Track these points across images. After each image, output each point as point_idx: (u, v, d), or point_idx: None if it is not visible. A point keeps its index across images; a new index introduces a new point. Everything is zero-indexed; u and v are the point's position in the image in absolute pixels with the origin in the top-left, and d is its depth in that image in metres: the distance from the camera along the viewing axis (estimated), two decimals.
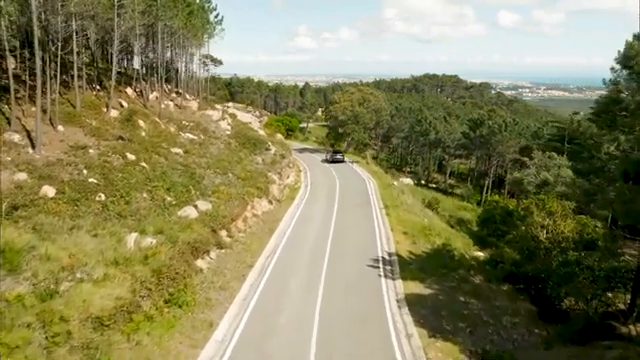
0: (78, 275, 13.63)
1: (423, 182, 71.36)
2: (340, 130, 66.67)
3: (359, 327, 14.81)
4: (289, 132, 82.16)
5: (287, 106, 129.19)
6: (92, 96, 31.30)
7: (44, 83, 24.83)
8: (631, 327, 14.04)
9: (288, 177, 38.87)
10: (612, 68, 20.62)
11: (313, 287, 17.69)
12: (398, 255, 22.25)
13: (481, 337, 14.95)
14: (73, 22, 26.21)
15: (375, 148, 77.64)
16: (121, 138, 26.89)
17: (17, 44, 27.64)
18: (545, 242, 18.17)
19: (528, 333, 15.62)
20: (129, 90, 35.97)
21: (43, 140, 22.83)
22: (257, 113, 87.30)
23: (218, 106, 49.30)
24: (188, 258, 17.81)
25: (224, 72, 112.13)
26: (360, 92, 69.48)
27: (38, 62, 22.05)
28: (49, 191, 18.70)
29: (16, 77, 26.50)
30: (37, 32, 21.98)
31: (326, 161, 56.17)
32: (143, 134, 29.44)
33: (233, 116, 46.10)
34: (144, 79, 38.08)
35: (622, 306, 15.27)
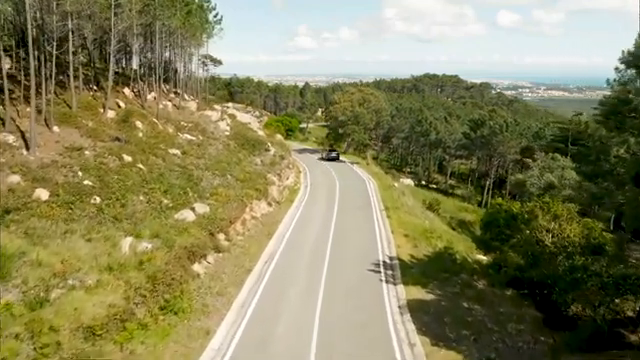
0: (70, 282, 13.21)
1: (423, 183, 70.95)
2: (340, 131, 66.24)
3: (360, 335, 14.38)
4: (289, 132, 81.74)
5: (287, 106, 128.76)
6: (89, 96, 30.85)
7: (39, 83, 24.39)
8: None
9: (288, 178, 38.43)
10: (616, 68, 20.20)
11: (313, 293, 17.25)
12: (399, 259, 21.83)
13: (485, 345, 14.52)
14: (69, 21, 25.79)
15: (375, 148, 77.22)
16: (118, 139, 26.45)
17: (12, 44, 27.25)
18: (550, 246, 17.74)
19: (534, 341, 15.17)
20: (127, 90, 35.53)
21: (38, 141, 22.40)
22: (257, 113, 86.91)
23: (217, 106, 48.86)
24: (185, 263, 17.39)
25: (224, 72, 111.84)
26: (360, 92, 69.05)
27: (32, 62, 21.65)
28: (43, 194, 18.27)
29: (11, 77, 26.11)
30: (31, 31, 21.52)
31: (322, 158, 58.82)
32: (140, 135, 29.00)
33: (232, 116, 45.67)
34: (142, 79, 37.64)
35: (631, 313, 14.86)
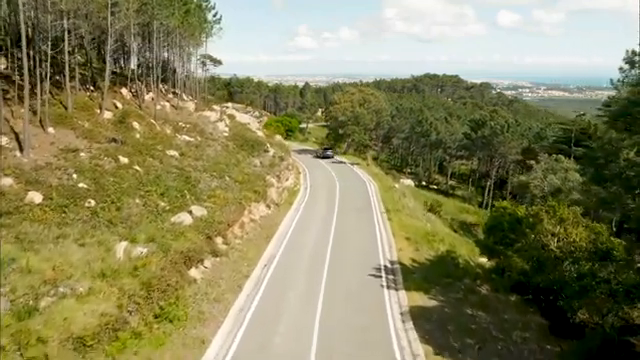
0: (61, 289, 12.74)
1: (424, 183, 70.54)
2: (340, 131, 65.79)
3: (361, 344, 13.92)
4: (288, 133, 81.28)
5: (287, 106, 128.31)
6: (85, 97, 30.41)
7: (35, 84, 24.00)
8: None
9: (287, 180, 37.97)
10: (620, 68, 19.74)
11: (312, 300, 16.79)
12: (400, 263, 21.37)
13: (490, 354, 14.08)
14: (65, 21, 25.34)
15: (375, 149, 76.78)
16: (114, 140, 26.01)
17: (8, 43, 26.81)
18: (556, 251, 17.28)
19: (540, 349, 14.74)
20: (124, 91, 35.07)
21: (32, 143, 21.94)
22: (256, 113, 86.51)
23: (216, 107, 48.41)
24: (181, 268, 16.93)
25: (224, 72, 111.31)
26: (360, 92, 68.61)
27: (25, 61, 21.21)
28: (35, 197, 17.83)
29: (6, 77, 25.71)
30: (25, 30, 21.09)
31: (317, 156, 61.01)
32: (137, 136, 28.55)
33: (231, 117, 45.20)
34: (139, 79, 37.18)
35: None
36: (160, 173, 24.97)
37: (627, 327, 14.37)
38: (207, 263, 18.94)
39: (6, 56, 27.14)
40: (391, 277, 19.52)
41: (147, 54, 40.23)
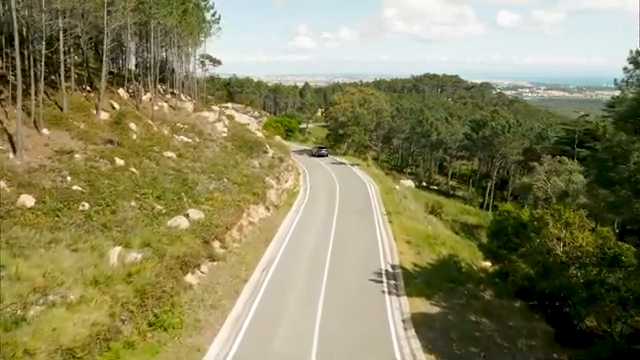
0: (51, 298, 12.29)
1: (424, 184, 70.04)
2: (340, 131, 65.34)
3: (362, 355, 13.46)
4: (288, 133, 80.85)
5: (287, 106, 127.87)
6: (82, 97, 29.95)
7: (29, 84, 23.55)
8: None
9: (286, 181, 37.52)
10: (625, 68, 19.31)
11: (311, 307, 16.31)
12: (402, 267, 20.91)
13: None
14: (59, 20, 24.90)
15: (375, 149, 76.33)
16: (110, 142, 25.56)
17: (2, 42, 26.34)
18: (562, 256, 16.83)
19: (546, 358, 14.30)
20: (121, 91, 34.61)
21: (26, 144, 21.53)
22: (256, 114, 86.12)
23: (215, 107, 48.01)
24: (177, 274, 16.48)
25: (224, 72, 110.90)
26: (361, 93, 68.15)
27: (18, 61, 20.82)
28: (28, 200, 17.39)
29: (0, 77, 25.27)
30: (17, 29, 20.68)
31: (312, 155, 61.96)
32: (134, 137, 28.11)
33: (230, 117, 44.74)
34: (137, 79, 36.71)
35: None
36: (157, 175, 24.53)
37: (637, 335, 13.93)
38: (204, 268, 18.49)
39: (0, 55, 26.67)
40: (392, 282, 19.06)
41: (145, 54, 39.76)
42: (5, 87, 24.05)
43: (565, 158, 34.48)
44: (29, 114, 23.71)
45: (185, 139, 32.24)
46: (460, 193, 67.61)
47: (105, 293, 13.49)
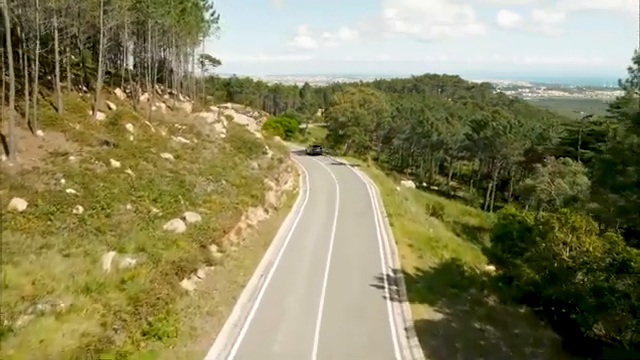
0: (39, 307, 11.82)
1: (425, 184, 69.60)
2: (340, 132, 64.85)
3: None
4: (288, 133, 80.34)
5: (287, 106, 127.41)
6: (78, 98, 29.51)
7: (23, 84, 23.10)
8: None
9: (286, 182, 37.03)
10: (629, 68, 18.87)
11: (311, 313, 15.84)
12: (404, 272, 20.42)
13: None
14: (54, 19, 24.43)
15: (375, 149, 75.85)
16: (106, 143, 25.12)
17: None
18: (568, 261, 16.35)
19: None
20: (118, 91, 34.16)
21: (19, 146, 21.08)
22: (256, 114, 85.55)
23: (214, 107, 47.54)
24: (172, 279, 16.00)
25: (223, 72, 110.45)
26: (361, 93, 67.65)
27: (11, 60, 20.40)
28: (19, 204, 16.93)
29: None
30: (9, 28, 20.20)
31: (307, 153, 62.64)
32: (131, 138, 27.66)
33: (229, 118, 44.27)
34: (134, 80, 36.23)
35: None
36: (153, 177, 24.07)
37: None
38: (201, 273, 18.01)
39: None
40: (394, 288, 18.58)
41: (143, 54, 39.29)
42: None
43: (569, 159, 33.97)
44: (23, 115, 23.25)
45: (183, 140, 31.79)
46: (461, 194, 67.15)
47: (97, 301, 13.02)
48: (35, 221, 16.31)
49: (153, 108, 34.48)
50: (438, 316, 16.36)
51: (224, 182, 27.48)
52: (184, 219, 20.59)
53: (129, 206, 20.17)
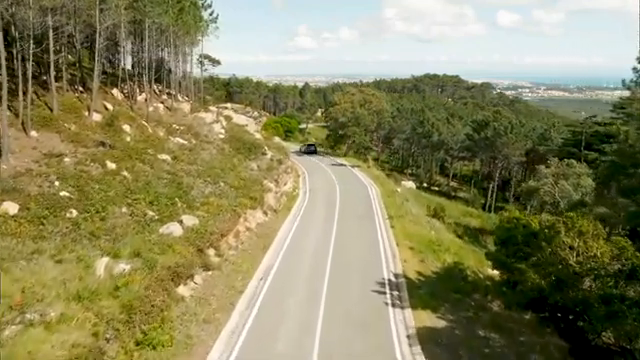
0: (28, 316, 11.34)
1: (425, 185, 69.13)
2: (340, 132, 64.41)
3: None
4: (288, 134, 79.91)
5: (286, 106, 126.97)
6: (74, 98, 29.05)
7: (17, 84, 22.64)
8: None
9: (285, 184, 36.58)
10: (634, 68, 18.42)
11: (311, 321, 15.37)
12: (405, 277, 19.98)
13: None
14: (49, 17, 23.97)
15: (376, 149, 75.39)
16: (102, 144, 24.68)
17: None
18: (575, 266, 15.90)
19: None
20: (115, 91, 33.72)
21: (12, 148, 20.66)
22: (255, 114, 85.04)
23: (213, 108, 47.07)
24: (168, 285, 15.54)
25: (223, 72, 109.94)
26: (361, 93, 67.28)
27: (3, 60, 19.97)
28: (11, 208, 16.46)
29: None
30: (1, 25, 19.76)
31: (302, 152, 62.74)
32: (128, 139, 27.22)
33: (228, 118, 43.81)
34: (132, 80, 35.77)
35: None
36: (150, 179, 23.61)
37: None
38: (197, 278, 17.56)
39: None
40: (395, 293, 18.13)
41: (140, 53, 38.83)
42: None
43: (573, 161, 33.50)
44: (17, 115, 22.83)
45: (181, 141, 31.35)
46: (461, 194, 66.66)
47: (89, 309, 12.54)
48: (27, 225, 15.83)
49: (150, 108, 34.04)
50: (441, 323, 15.91)
51: (222, 184, 27.02)
52: (181, 222, 20.15)
53: (124, 209, 19.72)
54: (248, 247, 22.63)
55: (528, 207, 46.29)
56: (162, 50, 42.14)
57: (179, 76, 46.63)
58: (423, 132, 73.42)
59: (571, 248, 16.47)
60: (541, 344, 15.04)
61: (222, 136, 36.61)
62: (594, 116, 52.07)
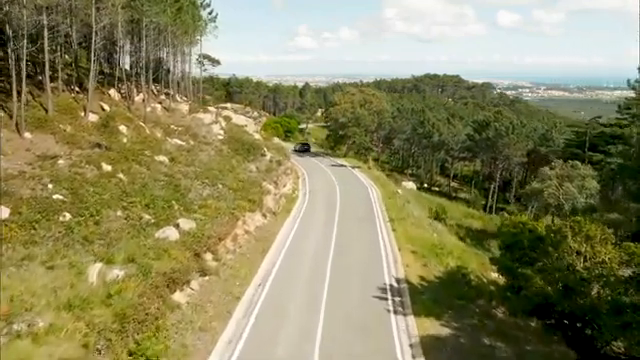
0: (15, 327, 10.87)
1: (426, 185, 68.71)
2: (340, 132, 63.93)
3: None
4: (287, 134, 79.43)
5: (286, 107, 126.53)
6: (70, 99, 28.50)
7: (11, 84, 22.18)
8: None
9: (285, 185, 36.09)
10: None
11: (310, 329, 14.91)
12: (408, 282, 19.51)
13: None
14: (44, 16, 23.49)
15: (376, 149, 74.92)
16: (98, 146, 24.17)
17: None
18: (583, 272, 15.44)
19: None
20: (112, 92, 33.20)
21: (5, 149, 20.14)
22: (255, 114, 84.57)
23: (211, 108, 46.55)
24: (163, 292, 15.06)
25: (223, 72, 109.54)
26: (361, 93, 66.77)
27: None
28: (2, 211, 15.95)
29: None
30: None
31: (296, 151, 62.37)
32: (124, 141, 26.70)
33: (227, 119, 43.29)
34: (129, 80, 35.28)
35: None
36: (147, 181, 23.10)
37: None
38: (194, 284, 17.08)
39: None
40: (398, 299, 17.65)
41: (138, 53, 38.33)
42: None
43: (578, 162, 33.02)
44: (11, 116, 22.35)
45: (179, 142, 30.85)
46: (462, 195, 66.26)
47: (80, 319, 12.06)
48: (17, 230, 15.33)
49: (148, 109, 33.55)
50: (445, 331, 15.43)
51: (220, 186, 26.53)
52: (177, 226, 19.64)
53: (119, 212, 19.21)
54: (246, 251, 22.15)
55: (529, 208, 45.87)
56: (160, 50, 41.63)
57: (177, 76, 46.14)
58: (423, 132, 72.98)
59: (578, 253, 16.00)
60: (548, 353, 14.59)
61: (221, 137, 36.11)
62: (599, 117, 51.48)
